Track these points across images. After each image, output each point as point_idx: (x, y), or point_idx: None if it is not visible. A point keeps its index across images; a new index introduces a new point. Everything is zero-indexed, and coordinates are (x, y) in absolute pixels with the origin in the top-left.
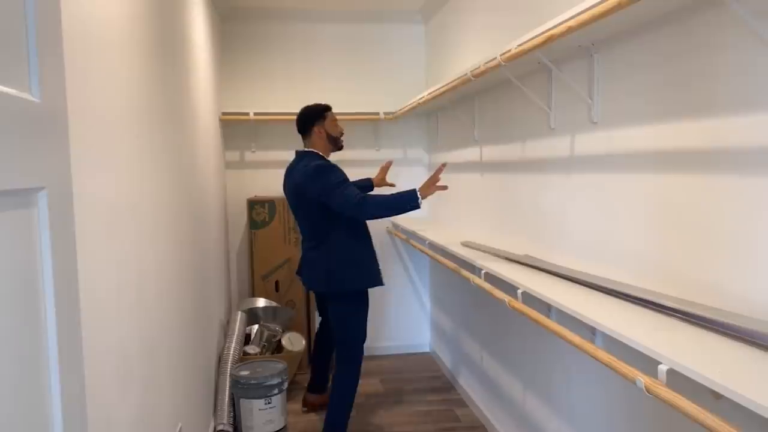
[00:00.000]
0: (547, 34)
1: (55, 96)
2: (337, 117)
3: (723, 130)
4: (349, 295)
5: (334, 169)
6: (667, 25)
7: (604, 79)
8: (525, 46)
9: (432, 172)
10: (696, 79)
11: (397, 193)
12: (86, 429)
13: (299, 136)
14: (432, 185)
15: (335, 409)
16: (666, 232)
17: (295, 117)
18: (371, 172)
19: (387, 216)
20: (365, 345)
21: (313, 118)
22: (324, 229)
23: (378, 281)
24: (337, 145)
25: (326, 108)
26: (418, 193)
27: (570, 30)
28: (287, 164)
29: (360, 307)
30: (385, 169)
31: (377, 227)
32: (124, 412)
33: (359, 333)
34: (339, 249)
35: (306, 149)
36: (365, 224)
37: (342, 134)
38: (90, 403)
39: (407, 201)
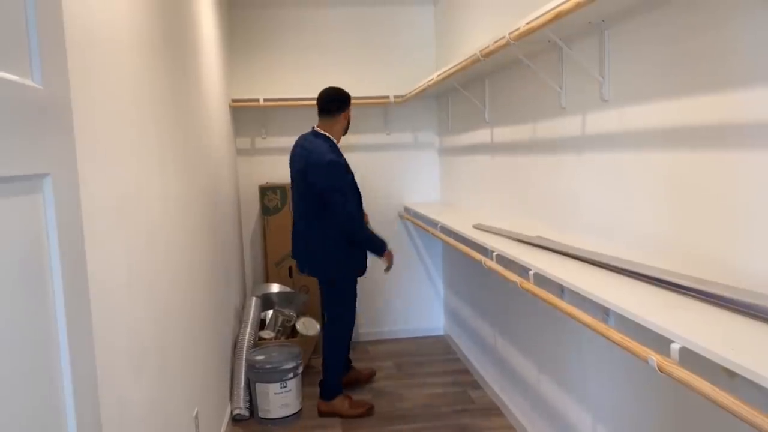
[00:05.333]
0: (555, 10)
1: (58, 82)
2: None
3: (737, 105)
4: (338, 280)
5: (343, 169)
6: None
7: (616, 56)
8: (534, 24)
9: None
10: (709, 54)
11: (376, 237)
12: (98, 412)
13: (310, 122)
14: (390, 260)
15: (329, 360)
16: (679, 209)
17: (304, 102)
18: (381, 156)
19: (356, 240)
20: (377, 329)
21: (345, 102)
22: (319, 213)
23: (362, 269)
24: (346, 131)
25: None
26: (386, 249)
27: (579, 6)
28: None
29: (347, 291)
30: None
31: (387, 210)
32: (138, 396)
33: (347, 310)
34: (330, 235)
35: (322, 131)
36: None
37: None
38: (102, 387)
39: (376, 247)
